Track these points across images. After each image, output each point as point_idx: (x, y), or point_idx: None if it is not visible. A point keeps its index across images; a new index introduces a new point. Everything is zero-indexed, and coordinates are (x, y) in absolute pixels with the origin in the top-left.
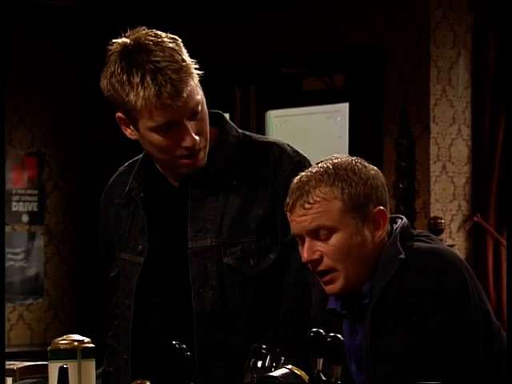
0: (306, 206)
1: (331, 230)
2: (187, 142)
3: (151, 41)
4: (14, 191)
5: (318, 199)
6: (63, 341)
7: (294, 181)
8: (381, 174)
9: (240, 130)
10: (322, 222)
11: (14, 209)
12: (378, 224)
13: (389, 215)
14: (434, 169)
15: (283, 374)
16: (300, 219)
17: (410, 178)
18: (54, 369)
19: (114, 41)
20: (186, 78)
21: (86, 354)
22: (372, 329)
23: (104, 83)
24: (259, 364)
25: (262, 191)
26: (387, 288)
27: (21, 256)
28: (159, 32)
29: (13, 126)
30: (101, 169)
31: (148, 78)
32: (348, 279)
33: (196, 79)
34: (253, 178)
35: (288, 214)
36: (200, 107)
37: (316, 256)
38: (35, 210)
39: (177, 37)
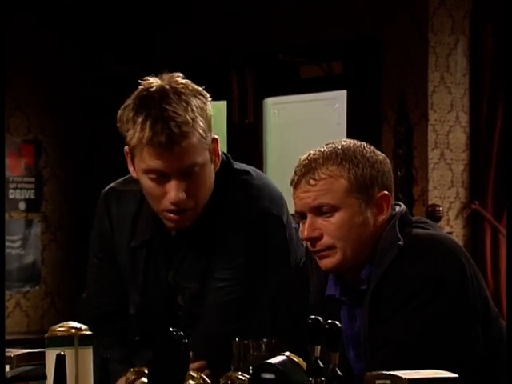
0: (312, 182)
1: (334, 209)
2: (171, 198)
3: (174, 88)
4: (10, 178)
5: (323, 176)
6: (60, 328)
7: (302, 158)
8: (388, 160)
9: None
10: (325, 199)
11: (10, 196)
12: (382, 208)
13: (393, 201)
14: (432, 156)
15: (281, 361)
16: (304, 195)
17: (408, 166)
18: (51, 356)
19: (147, 78)
20: (188, 134)
21: (84, 341)
22: (370, 315)
23: (118, 114)
24: (255, 354)
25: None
26: (385, 274)
27: (18, 243)
28: (192, 84)
29: (10, 112)
30: (98, 156)
31: (148, 122)
32: (345, 258)
33: (204, 142)
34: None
35: (293, 190)
36: (197, 169)
37: (316, 234)
38: (32, 197)
39: (207, 95)
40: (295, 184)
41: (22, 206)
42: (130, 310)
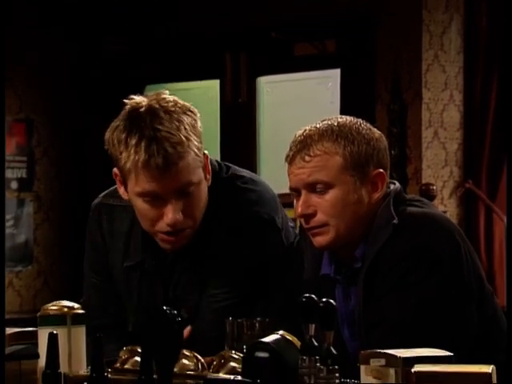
0: (306, 158)
1: (328, 186)
2: (168, 219)
3: (163, 107)
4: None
5: (318, 153)
6: (53, 307)
7: (297, 134)
8: (384, 138)
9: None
10: (319, 176)
11: None
12: (376, 186)
13: (388, 179)
14: (426, 135)
15: (275, 340)
16: (298, 171)
17: (402, 145)
18: (43, 335)
19: (132, 97)
20: (183, 155)
21: (76, 320)
22: (365, 293)
23: (107, 136)
24: (249, 333)
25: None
26: (380, 253)
27: (10, 223)
28: (180, 101)
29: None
30: (90, 135)
31: (143, 144)
32: (338, 235)
33: (198, 160)
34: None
35: (287, 166)
36: (193, 188)
37: (310, 211)
38: (24, 176)
39: (196, 110)
40: (290, 160)
41: (14, 185)
42: (129, 328)
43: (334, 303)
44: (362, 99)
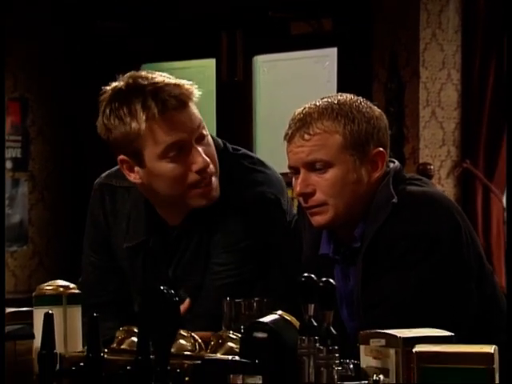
0: (306, 137)
1: (328, 165)
2: (199, 164)
3: (144, 72)
4: None
5: (318, 131)
6: (48, 286)
7: (297, 112)
8: (384, 116)
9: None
10: (319, 155)
11: None
12: (376, 165)
13: (387, 158)
14: (424, 114)
15: (273, 320)
16: (298, 150)
17: (399, 124)
18: (38, 315)
19: (104, 89)
20: (188, 94)
21: (72, 299)
22: (364, 273)
23: (102, 126)
24: (247, 313)
25: None
26: (379, 232)
27: (5, 203)
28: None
29: None
30: (85, 113)
31: (149, 99)
32: (337, 214)
33: (194, 103)
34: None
35: (286, 144)
36: (205, 131)
37: (309, 190)
38: (19, 156)
39: None
40: (289, 138)
41: (8, 164)
42: (135, 308)
43: (334, 283)
44: (359, 78)
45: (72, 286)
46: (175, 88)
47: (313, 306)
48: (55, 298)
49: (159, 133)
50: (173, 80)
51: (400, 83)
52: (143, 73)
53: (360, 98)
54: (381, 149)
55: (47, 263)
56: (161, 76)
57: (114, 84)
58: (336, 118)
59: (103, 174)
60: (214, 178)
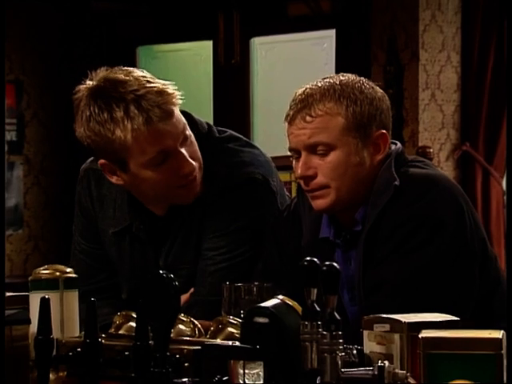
0: (308, 118)
1: (329, 148)
2: (185, 170)
3: (120, 74)
4: None
5: (320, 113)
6: (45, 271)
7: (298, 92)
8: (387, 97)
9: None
10: (321, 138)
11: None
12: (379, 147)
13: (390, 140)
14: (423, 97)
15: (274, 305)
16: (299, 132)
17: (398, 107)
18: (35, 300)
19: (78, 88)
20: (171, 100)
21: (69, 284)
22: (365, 257)
23: (81, 132)
24: (247, 298)
25: None
26: (381, 215)
27: (4, 192)
28: (123, 67)
29: None
30: None
31: (132, 108)
32: (339, 198)
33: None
34: None
35: (287, 125)
36: (187, 130)
37: (310, 172)
38: (14, 139)
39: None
40: (290, 119)
41: None
42: (123, 295)
43: (338, 267)
44: (357, 60)
45: (69, 269)
46: (158, 96)
47: (315, 290)
48: (52, 283)
49: (145, 144)
50: (154, 85)
51: (399, 65)
52: (119, 73)
53: (362, 78)
54: (383, 131)
55: (43, 247)
56: (139, 79)
57: (88, 83)
58: (338, 99)
59: (89, 159)
60: (198, 175)
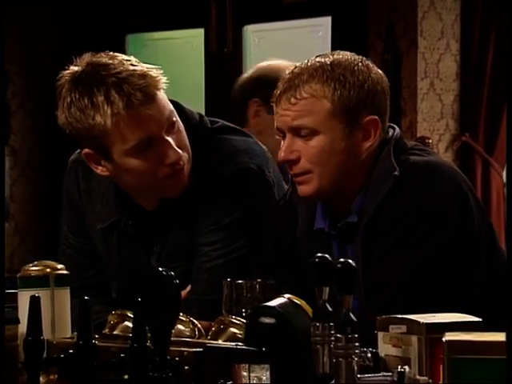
0: (292, 100)
1: (313, 132)
2: (171, 158)
3: (104, 58)
4: None
5: (305, 95)
6: (34, 267)
7: (287, 71)
8: (385, 79)
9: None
10: (304, 121)
11: None
12: (368, 134)
13: (382, 125)
14: (422, 86)
15: (281, 304)
16: (283, 113)
17: (396, 96)
18: (24, 298)
19: (62, 74)
20: (155, 83)
21: (60, 281)
22: (364, 250)
23: (62, 118)
24: (249, 295)
25: None
26: (381, 206)
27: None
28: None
29: None
30: None
31: (113, 92)
32: (322, 185)
33: (163, 90)
34: None
35: (274, 105)
36: (175, 118)
37: (293, 156)
38: None
39: None
40: (276, 100)
41: None
42: (113, 294)
43: (354, 264)
44: (354, 48)
45: (60, 266)
46: (140, 79)
47: (327, 289)
48: (42, 280)
49: (126, 130)
50: (138, 68)
51: (397, 54)
52: (103, 57)
53: (359, 58)
54: (374, 116)
55: (29, 241)
56: (123, 63)
57: (72, 69)
58: (326, 81)
59: (78, 150)
60: (185, 166)
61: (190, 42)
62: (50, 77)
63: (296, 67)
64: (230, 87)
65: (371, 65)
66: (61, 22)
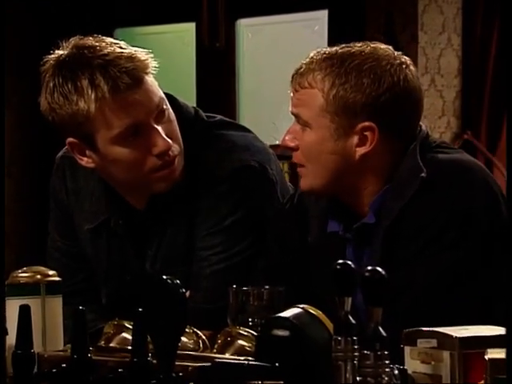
0: (297, 87)
1: (306, 124)
2: (160, 147)
3: (91, 40)
4: None
5: (306, 85)
6: (24, 274)
7: (311, 53)
8: (417, 91)
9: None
10: (300, 111)
11: None
12: (364, 140)
13: (384, 135)
14: (422, 82)
15: (296, 315)
16: (291, 96)
17: None
18: (13, 307)
19: (46, 58)
20: (143, 67)
21: (52, 289)
22: (383, 253)
23: (45, 104)
24: (256, 304)
25: None
26: (405, 210)
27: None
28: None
29: None
30: None
31: (98, 75)
32: (316, 184)
33: (152, 76)
34: None
35: None
36: (165, 105)
37: (292, 144)
38: None
39: None
40: (291, 80)
41: None
42: (103, 300)
43: (383, 272)
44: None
45: (51, 272)
46: (127, 61)
47: (350, 299)
48: (32, 288)
49: (111, 116)
50: (125, 50)
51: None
52: (90, 40)
53: (383, 55)
54: (371, 124)
55: (14, 243)
56: (111, 45)
57: (57, 53)
58: (328, 74)
59: (65, 147)
60: (177, 159)
61: (181, 37)
62: (36, 73)
63: (316, 52)
64: (223, 83)
65: (406, 70)
66: (47, 16)
